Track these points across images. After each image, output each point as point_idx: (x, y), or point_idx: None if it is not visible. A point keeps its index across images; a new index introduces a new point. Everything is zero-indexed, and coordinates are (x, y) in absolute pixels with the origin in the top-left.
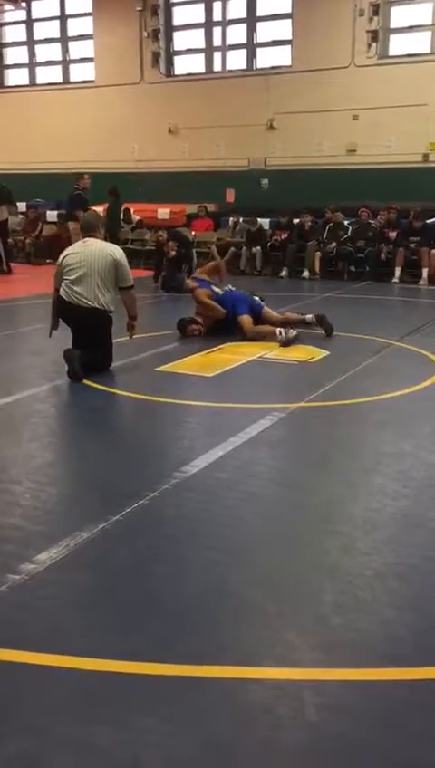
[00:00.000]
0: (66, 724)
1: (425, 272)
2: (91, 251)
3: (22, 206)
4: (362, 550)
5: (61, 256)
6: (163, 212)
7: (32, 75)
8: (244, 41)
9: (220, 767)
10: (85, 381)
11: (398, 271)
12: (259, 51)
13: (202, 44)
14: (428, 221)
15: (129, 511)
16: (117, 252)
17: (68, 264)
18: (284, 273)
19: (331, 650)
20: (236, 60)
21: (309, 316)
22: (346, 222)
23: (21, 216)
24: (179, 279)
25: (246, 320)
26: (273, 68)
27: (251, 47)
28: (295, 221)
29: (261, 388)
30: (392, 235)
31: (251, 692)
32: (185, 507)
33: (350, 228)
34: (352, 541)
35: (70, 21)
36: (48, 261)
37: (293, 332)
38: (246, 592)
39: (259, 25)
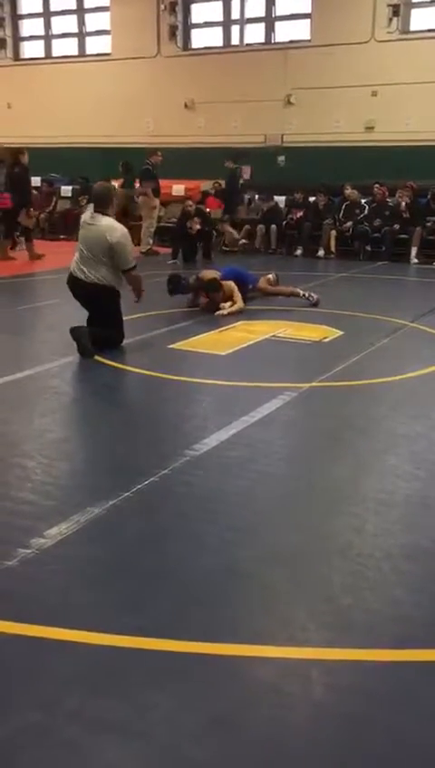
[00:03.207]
0: (76, 697)
1: None
2: (94, 230)
3: (36, 180)
4: (373, 531)
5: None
6: (178, 188)
7: (47, 47)
8: (262, 14)
9: (227, 744)
10: (97, 358)
11: (414, 251)
12: (278, 24)
13: (220, 17)
14: None
15: (139, 488)
16: (114, 235)
17: (79, 236)
18: (299, 251)
19: (340, 630)
20: (255, 33)
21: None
22: (363, 200)
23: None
24: (183, 284)
25: (263, 281)
26: (291, 42)
27: (270, 20)
28: (311, 199)
29: (274, 367)
30: (407, 214)
31: (259, 670)
32: (195, 485)
33: (366, 207)
34: (363, 521)
35: None
36: (62, 236)
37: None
38: (256, 571)
39: None
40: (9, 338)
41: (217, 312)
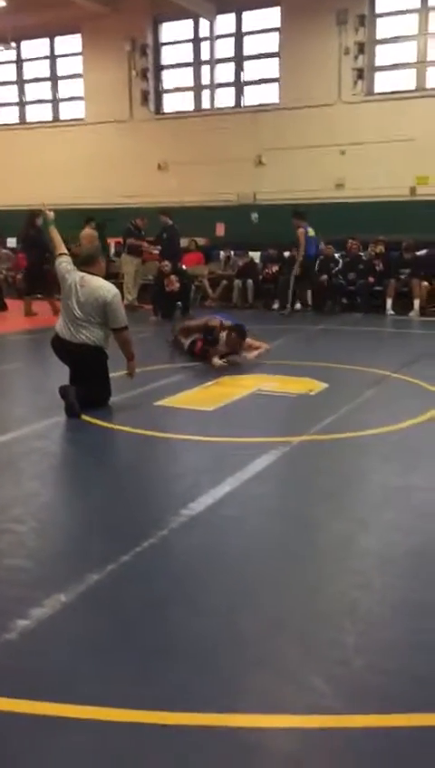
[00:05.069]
0: None
1: (416, 303)
2: (86, 290)
3: (12, 240)
4: (378, 587)
5: (64, 284)
6: (152, 246)
7: (22, 114)
8: (232, 79)
9: None
10: (84, 417)
11: (389, 302)
12: (247, 89)
13: (191, 83)
14: (417, 253)
15: (137, 551)
16: (109, 294)
17: (65, 296)
18: (275, 305)
19: (358, 695)
20: (225, 98)
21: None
22: (336, 255)
23: (5, 251)
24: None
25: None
26: (261, 105)
27: (239, 85)
28: (286, 254)
29: (263, 421)
30: (380, 267)
31: (280, 741)
32: (194, 546)
33: (340, 261)
34: (367, 578)
35: (59, 60)
36: (39, 296)
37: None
38: (263, 635)
39: (247, 64)
40: None
41: (217, 362)
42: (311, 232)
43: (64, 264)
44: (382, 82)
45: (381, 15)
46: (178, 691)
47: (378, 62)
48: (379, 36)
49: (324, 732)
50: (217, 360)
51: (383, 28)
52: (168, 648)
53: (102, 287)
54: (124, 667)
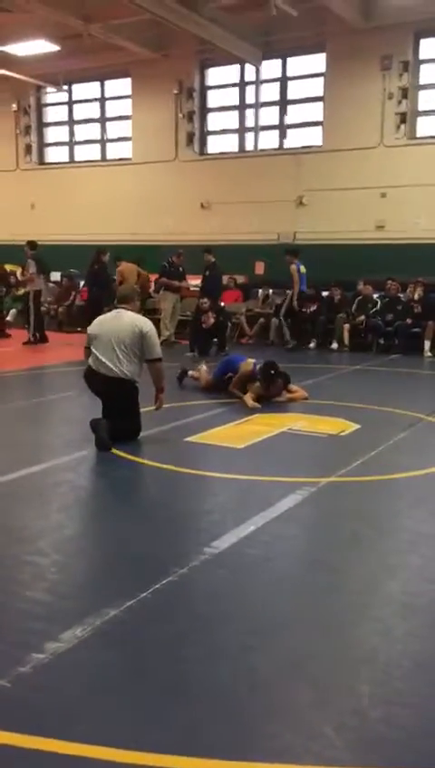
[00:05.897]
0: None
1: None
2: (119, 322)
3: (56, 275)
4: (400, 637)
5: (91, 325)
6: (193, 283)
7: (71, 153)
8: (276, 122)
9: None
10: (113, 451)
11: (427, 344)
12: (290, 131)
13: (235, 125)
14: None
15: (157, 588)
16: (145, 326)
17: (97, 333)
18: (312, 344)
19: (371, 748)
20: (268, 140)
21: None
22: (375, 295)
23: (51, 285)
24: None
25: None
26: (303, 147)
27: (282, 128)
28: (324, 293)
29: (292, 461)
30: (419, 308)
31: None
32: (215, 586)
33: (379, 302)
34: (389, 627)
35: (108, 103)
36: (79, 329)
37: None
38: (278, 680)
39: (290, 108)
40: (24, 430)
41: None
42: (303, 269)
43: None
44: (425, 127)
45: (424, 62)
46: (188, 735)
47: (421, 107)
48: (422, 81)
49: None
50: (250, 401)
51: (427, 73)
52: (180, 690)
53: (138, 319)
54: (135, 707)
